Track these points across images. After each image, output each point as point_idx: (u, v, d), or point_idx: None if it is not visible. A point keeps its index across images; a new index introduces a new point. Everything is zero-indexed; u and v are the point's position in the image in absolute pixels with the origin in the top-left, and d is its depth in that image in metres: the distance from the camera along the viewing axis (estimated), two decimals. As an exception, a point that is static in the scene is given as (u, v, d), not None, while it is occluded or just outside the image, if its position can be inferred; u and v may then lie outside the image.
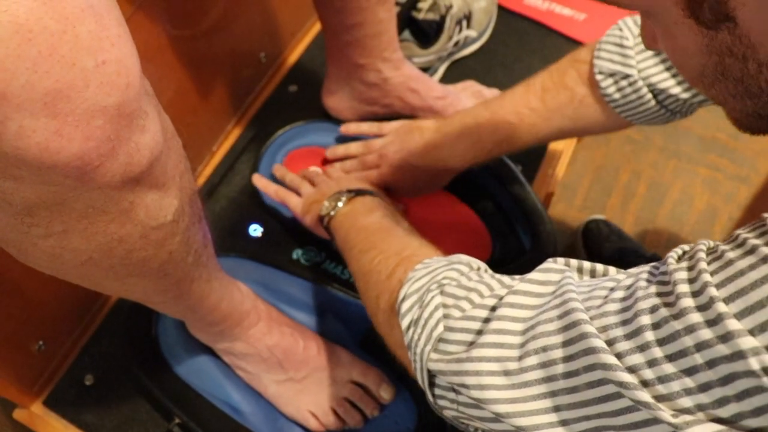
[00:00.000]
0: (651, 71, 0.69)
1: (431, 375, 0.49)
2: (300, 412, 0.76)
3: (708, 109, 0.75)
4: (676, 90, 0.68)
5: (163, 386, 0.77)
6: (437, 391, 0.49)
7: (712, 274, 0.36)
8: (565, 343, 0.40)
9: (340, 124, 0.94)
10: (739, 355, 0.33)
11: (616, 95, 0.71)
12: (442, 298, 0.49)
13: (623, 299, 0.40)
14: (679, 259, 0.40)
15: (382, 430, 0.76)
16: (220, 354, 0.77)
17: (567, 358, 0.40)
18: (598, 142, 1.49)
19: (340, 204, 0.74)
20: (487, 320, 0.46)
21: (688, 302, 0.36)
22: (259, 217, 0.90)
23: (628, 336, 0.38)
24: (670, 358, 0.36)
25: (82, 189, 0.40)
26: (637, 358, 0.37)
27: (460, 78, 1.03)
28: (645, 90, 0.69)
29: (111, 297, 0.85)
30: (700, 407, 0.35)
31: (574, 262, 0.48)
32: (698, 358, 0.35)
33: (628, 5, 0.40)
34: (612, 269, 0.47)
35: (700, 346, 0.35)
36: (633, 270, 0.43)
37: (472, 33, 1.05)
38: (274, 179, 0.90)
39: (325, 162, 0.93)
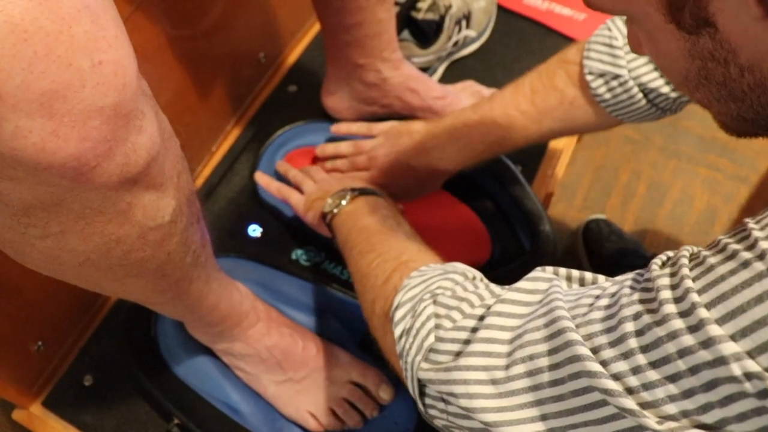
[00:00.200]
0: (641, 71, 0.69)
1: (422, 384, 0.49)
2: (299, 413, 0.76)
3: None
4: (666, 89, 0.68)
5: (163, 387, 0.77)
6: (428, 401, 0.49)
7: (694, 280, 0.36)
8: (551, 351, 0.40)
9: (339, 124, 0.94)
10: (721, 360, 0.33)
11: (607, 95, 0.71)
12: (435, 308, 0.49)
13: (608, 307, 0.40)
14: (663, 265, 0.40)
15: (381, 431, 0.76)
16: (219, 354, 0.77)
17: (553, 366, 0.40)
18: (598, 142, 1.49)
19: (344, 202, 0.73)
20: (475, 329, 0.46)
21: (671, 308, 0.35)
22: (258, 217, 0.90)
23: (613, 343, 0.38)
24: (654, 365, 0.36)
25: (79, 189, 0.39)
26: (621, 366, 0.37)
27: (460, 78, 1.03)
28: (636, 90, 0.69)
29: (110, 298, 0.85)
30: (685, 414, 0.35)
31: (563, 270, 0.48)
32: (681, 365, 0.35)
33: (610, 10, 0.40)
34: (601, 277, 0.46)
35: (683, 353, 0.34)
36: (618, 277, 0.43)
37: (471, 33, 1.05)
38: (275, 178, 0.90)
39: (315, 160, 0.92)
